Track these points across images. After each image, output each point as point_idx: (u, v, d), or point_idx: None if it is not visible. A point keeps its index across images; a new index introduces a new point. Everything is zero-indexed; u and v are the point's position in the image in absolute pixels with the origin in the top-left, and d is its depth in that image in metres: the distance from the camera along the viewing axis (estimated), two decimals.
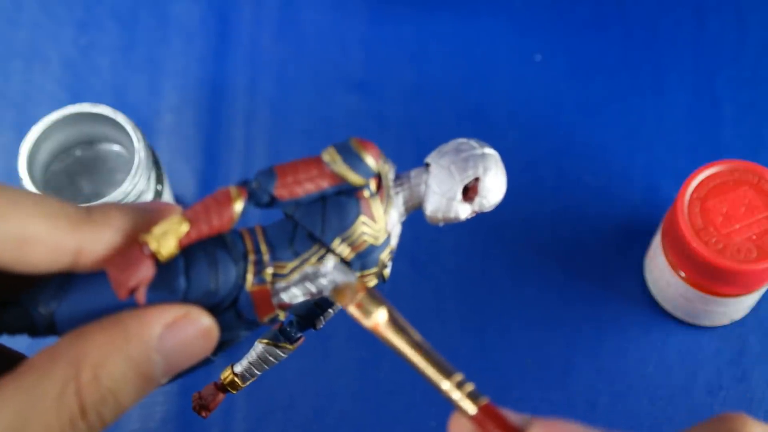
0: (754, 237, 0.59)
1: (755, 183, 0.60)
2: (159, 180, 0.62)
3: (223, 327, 0.35)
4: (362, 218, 0.35)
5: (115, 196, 0.59)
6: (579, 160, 0.69)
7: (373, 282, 0.36)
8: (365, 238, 0.35)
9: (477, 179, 0.36)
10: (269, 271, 0.35)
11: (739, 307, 0.63)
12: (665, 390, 0.64)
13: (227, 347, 0.36)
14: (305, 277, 0.35)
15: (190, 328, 0.34)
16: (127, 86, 0.71)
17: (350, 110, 0.71)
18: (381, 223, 0.35)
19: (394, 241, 0.36)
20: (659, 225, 0.63)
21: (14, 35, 0.72)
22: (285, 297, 0.35)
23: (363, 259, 0.35)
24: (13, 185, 0.35)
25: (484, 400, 0.34)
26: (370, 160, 0.35)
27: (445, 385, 0.34)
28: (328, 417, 0.63)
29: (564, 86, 0.72)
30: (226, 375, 0.41)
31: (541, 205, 0.69)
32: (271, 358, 0.40)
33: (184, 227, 0.34)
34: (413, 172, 0.37)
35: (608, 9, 0.74)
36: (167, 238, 0.34)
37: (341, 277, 0.35)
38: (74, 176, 0.63)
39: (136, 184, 0.60)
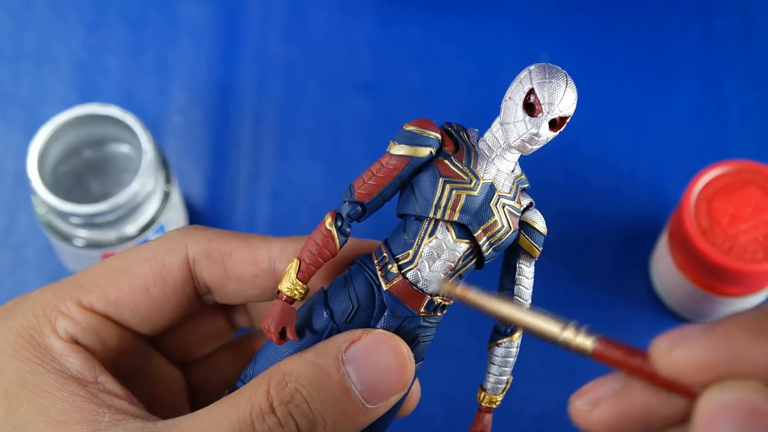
0: (761, 238, 0.59)
1: (762, 184, 0.60)
2: (167, 180, 0.63)
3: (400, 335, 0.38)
4: (442, 179, 0.37)
5: (123, 196, 0.59)
6: (585, 160, 0.70)
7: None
8: (457, 192, 0.37)
9: (531, 91, 0.36)
10: (394, 266, 0.37)
11: (746, 307, 0.63)
12: None
13: (417, 356, 0.39)
14: (432, 255, 0.37)
15: (371, 339, 0.37)
16: (136, 87, 0.71)
17: (358, 111, 0.71)
18: (469, 175, 0.37)
19: (506, 185, 0.38)
20: (665, 225, 0.63)
21: (24, 36, 0.73)
22: (428, 278, 0.37)
23: (470, 213, 0.37)
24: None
25: (599, 335, 0.34)
26: (428, 132, 0.37)
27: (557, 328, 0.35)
28: None
29: None
30: (481, 396, 0.42)
31: (547, 206, 0.68)
32: (509, 359, 0.42)
33: (296, 262, 0.37)
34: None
35: (615, 10, 0.74)
36: (288, 276, 0.37)
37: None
38: (83, 177, 0.64)
39: (145, 185, 0.60)
